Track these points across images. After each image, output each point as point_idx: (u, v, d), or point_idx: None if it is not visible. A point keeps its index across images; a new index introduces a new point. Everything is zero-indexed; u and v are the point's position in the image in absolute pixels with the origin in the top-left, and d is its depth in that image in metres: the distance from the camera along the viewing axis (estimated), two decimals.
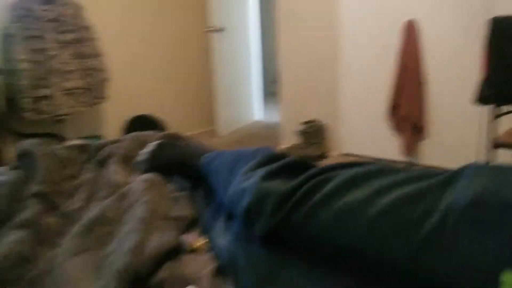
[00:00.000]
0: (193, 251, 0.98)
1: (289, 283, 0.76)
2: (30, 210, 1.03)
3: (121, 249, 0.83)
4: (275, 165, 0.85)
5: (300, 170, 0.81)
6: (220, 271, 0.88)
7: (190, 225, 1.06)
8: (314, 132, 3.55)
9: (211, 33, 4.12)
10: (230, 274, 0.85)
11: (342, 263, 0.70)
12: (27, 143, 1.28)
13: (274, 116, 4.87)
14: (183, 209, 1.10)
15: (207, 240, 1.00)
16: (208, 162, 1.13)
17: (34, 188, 1.11)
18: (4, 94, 2.94)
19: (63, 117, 3.06)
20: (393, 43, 3.08)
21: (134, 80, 3.80)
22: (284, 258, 0.78)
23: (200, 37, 4.28)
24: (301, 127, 3.57)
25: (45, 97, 3.00)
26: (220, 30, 4.13)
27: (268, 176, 0.81)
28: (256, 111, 5.03)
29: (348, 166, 0.79)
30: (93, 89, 3.24)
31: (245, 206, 0.79)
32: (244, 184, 0.83)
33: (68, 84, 3.09)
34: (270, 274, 0.78)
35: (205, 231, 1.02)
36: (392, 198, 0.67)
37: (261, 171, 0.83)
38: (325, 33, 3.42)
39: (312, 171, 0.79)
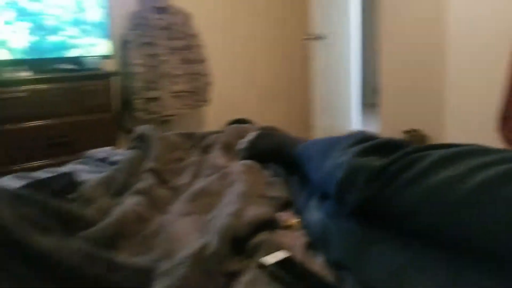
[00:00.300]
0: (287, 228, 1.06)
1: (379, 259, 0.79)
2: (145, 181, 1.19)
3: (222, 214, 0.94)
4: (369, 143, 0.89)
5: (394, 148, 0.85)
6: (312, 246, 0.95)
7: (284, 205, 1.14)
8: (416, 142, 3.44)
9: (311, 40, 4.22)
10: (321, 248, 0.91)
11: (434, 239, 0.72)
12: (144, 128, 1.47)
13: (372, 127, 4.80)
14: (278, 191, 1.18)
15: (300, 219, 1.07)
16: (302, 149, 1.20)
17: (149, 164, 1.28)
18: (119, 94, 3.31)
19: (169, 117, 3.35)
20: (506, 49, 2.90)
21: (234, 85, 4.03)
22: (374, 233, 0.82)
23: (301, 45, 4.40)
24: (402, 137, 3.49)
25: (155, 99, 3.32)
26: (320, 37, 4.21)
27: (362, 153, 0.86)
28: (354, 121, 5.00)
29: (442, 146, 0.81)
30: (197, 93, 3.51)
31: (339, 179, 0.85)
32: (338, 160, 0.89)
33: (176, 87, 3.39)
34: (360, 248, 0.82)
35: (299, 212, 1.09)
36: (489, 175, 0.68)
37: (355, 148, 0.88)
38: (431, 40, 3.33)
39: (406, 150, 0.82)
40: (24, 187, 1.07)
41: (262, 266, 0.80)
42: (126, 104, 3.33)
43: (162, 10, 3.31)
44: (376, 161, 0.83)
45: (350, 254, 0.84)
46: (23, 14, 2.66)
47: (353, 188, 0.82)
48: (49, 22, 2.76)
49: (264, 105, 4.22)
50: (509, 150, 0.74)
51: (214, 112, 3.79)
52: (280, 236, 0.98)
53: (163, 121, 3.44)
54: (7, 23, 2.61)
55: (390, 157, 0.82)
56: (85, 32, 2.91)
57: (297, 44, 4.40)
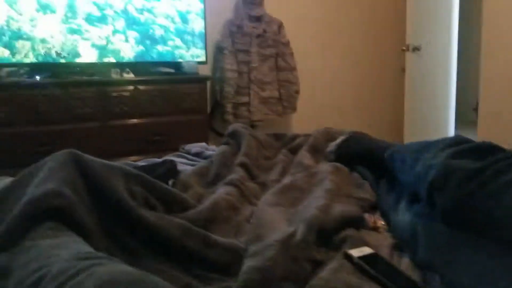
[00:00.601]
0: (374, 229, 1.07)
1: (468, 262, 0.78)
2: (236, 174, 1.27)
3: (309, 207, 0.99)
4: (462, 146, 0.89)
5: (488, 152, 0.84)
6: (398, 247, 0.96)
7: (371, 208, 1.16)
8: None
9: (406, 51, 4.12)
10: (408, 249, 0.92)
11: None
12: (236, 125, 1.57)
13: None
14: (366, 193, 1.20)
15: (386, 222, 1.08)
16: (394, 152, 1.21)
17: (240, 159, 1.37)
18: (211, 98, 3.50)
19: (256, 123, 3.47)
20: None
21: (323, 95, 4.06)
22: (464, 236, 0.81)
23: (395, 55, 4.32)
24: None
25: (244, 104, 3.46)
26: (416, 49, 4.11)
27: (456, 155, 0.86)
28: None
29: None
30: (285, 100, 3.59)
31: (431, 179, 0.85)
32: (432, 161, 0.90)
33: (264, 94, 3.50)
34: (449, 251, 0.82)
35: (386, 214, 1.10)
36: None
37: (449, 150, 0.88)
38: None
39: (501, 154, 0.81)
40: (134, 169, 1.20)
41: (348, 257, 0.84)
42: (217, 107, 3.51)
43: (256, 18, 3.46)
44: (470, 164, 0.83)
45: (438, 256, 0.84)
46: (132, 23, 2.94)
47: (446, 189, 0.83)
48: (156, 31, 3.01)
49: (352, 117, 4.19)
50: None
51: (301, 120, 3.85)
52: (366, 235, 1.00)
53: (251, 126, 3.57)
54: (116, 31, 2.90)
55: (485, 160, 0.82)
56: (184, 39, 3.13)
57: (391, 54, 4.33)
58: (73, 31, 2.80)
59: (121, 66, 2.95)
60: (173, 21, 3.10)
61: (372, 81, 4.34)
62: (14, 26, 2.65)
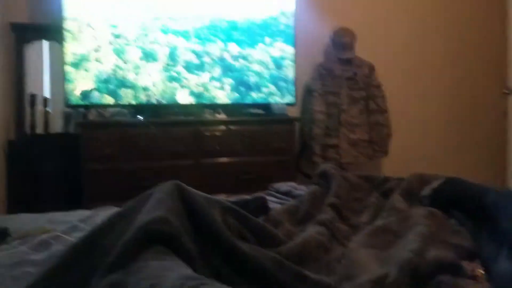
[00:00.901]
0: (472, 278, 1.03)
1: None
2: (326, 214, 1.29)
3: (403, 250, 0.98)
4: None
5: None
6: None
7: (469, 255, 1.11)
8: None
9: (508, 95, 3.90)
10: None
11: None
12: (326, 166, 1.60)
13: None
14: (463, 240, 1.16)
15: (486, 271, 1.03)
16: (497, 198, 1.16)
17: (330, 199, 1.39)
18: (299, 139, 3.56)
19: (345, 165, 3.45)
20: None
21: (415, 138, 3.95)
22: None
23: (495, 99, 4.11)
24: None
25: (333, 146, 3.47)
26: None
27: None
28: None
29: None
30: (376, 143, 3.55)
31: None
32: None
33: (354, 136, 3.49)
34: None
35: (486, 263, 1.05)
36: None
37: None
38: None
39: None
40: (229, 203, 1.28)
41: None
42: (305, 149, 3.56)
43: (347, 61, 3.51)
44: None
45: None
46: (228, 70, 3.16)
47: None
48: (250, 77, 3.21)
49: (448, 162, 4.00)
50: None
51: (392, 163, 3.75)
52: (463, 284, 0.96)
53: (340, 168, 3.56)
54: (212, 78, 3.12)
55: None
56: (275, 82, 3.27)
57: (490, 97, 4.12)
58: (172, 79, 3.06)
59: (214, 107, 3.14)
60: (267, 67, 3.25)
61: (469, 125, 4.14)
62: (120, 74, 2.96)
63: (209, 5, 3.15)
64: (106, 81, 2.94)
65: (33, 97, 3.06)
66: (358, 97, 3.52)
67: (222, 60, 3.15)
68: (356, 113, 3.52)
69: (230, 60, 3.17)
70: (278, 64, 3.28)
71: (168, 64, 3.05)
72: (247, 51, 3.21)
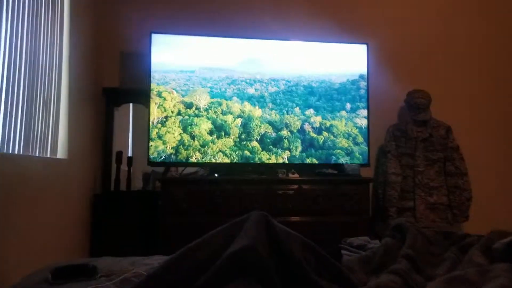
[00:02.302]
0: None
1: None
2: (401, 264, 1.30)
3: None
4: None
5: None
6: None
7: None
8: None
9: None
10: None
11: None
12: (401, 219, 1.62)
13: None
14: None
15: None
16: None
17: (405, 251, 1.40)
18: (373, 201, 3.54)
19: (424, 228, 3.35)
20: None
21: (497, 202, 3.77)
22: None
23: None
24: None
25: (409, 209, 3.41)
26: None
27: None
28: None
29: None
30: (456, 207, 3.43)
31: None
32: None
33: (431, 199, 3.41)
34: None
35: None
36: None
37: None
38: None
39: None
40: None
41: None
42: (380, 211, 3.52)
43: (422, 123, 3.52)
44: None
45: None
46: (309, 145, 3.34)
47: None
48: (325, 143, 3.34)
49: None
50: None
51: (474, 229, 3.58)
52: None
53: None
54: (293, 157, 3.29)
55: None
56: (349, 143, 3.35)
57: None
58: (245, 159, 3.27)
59: (288, 166, 3.25)
60: (350, 137, 3.40)
61: None
62: (191, 144, 3.22)
63: (284, 70, 3.39)
64: (181, 145, 3.19)
65: (119, 154, 3.35)
66: (434, 158, 3.48)
67: (302, 133, 3.36)
68: (433, 175, 3.46)
69: (312, 133, 3.37)
70: (362, 133, 3.40)
71: (240, 138, 3.28)
72: (330, 121, 3.39)
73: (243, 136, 3.27)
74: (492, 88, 3.99)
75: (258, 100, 3.34)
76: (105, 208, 3.27)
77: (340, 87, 3.45)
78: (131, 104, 3.65)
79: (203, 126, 3.24)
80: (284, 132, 3.32)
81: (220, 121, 3.27)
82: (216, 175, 3.20)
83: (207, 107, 3.28)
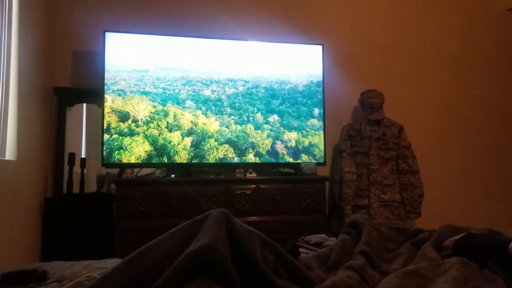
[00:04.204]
0: None
1: None
2: (357, 261, 1.32)
3: None
4: None
5: None
6: None
7: None
8: None
9: None
10: None
11: None
12: (356, 216, 1.64)
13: None
14: (498, 287, 1.16)
15: None
16: None
17: (360, 247, 1.41)
18: (329, 200, 3.58)
19: (379, 224, 3.43)
20: None
21: (448, 199, 3.92)
22: None
23: None
24: None
25: (364, 206, 3.48)
26: None
27: None
28: None
29: None
30: (408, 204, 3.53)
31: None
32: None
33: (385, 197, 3.50)
34: None
35: None
36: None
37: None
38: None
39: None
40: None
41: None
42: (335, 209, 3.57)
43: (375, 122, 3.60)
44: None
45: None
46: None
47: None
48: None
49: (485, 220, 3.92)
50: None
51: (426, 224, 3.70)
52: None
53: None
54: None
55: None
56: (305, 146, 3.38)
57: None
58: (199, 152, 3.20)
59: (245, 166, 3.24)
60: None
61: (501, 180, 4.09)
62: (152, 140, 3.14)
63: (242, 70, 3.37)
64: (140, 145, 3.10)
65: (71, 156, 3.24)
66: (388, 157, 3.57)
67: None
68: (387, 173, 3.55)
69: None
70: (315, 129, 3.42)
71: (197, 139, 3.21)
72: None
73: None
74: (444, 87, 4.14)
75: (215, 104, 3.26)
76: (58, 211, 3.15)
77: (305, 90, 3.45)
78: (84, 104, 3.53)
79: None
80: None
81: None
82: (173, 175, 3.15)
83: (148, 119, 3.14)
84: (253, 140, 3.26)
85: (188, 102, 3.21)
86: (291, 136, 3.35)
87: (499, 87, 4.24)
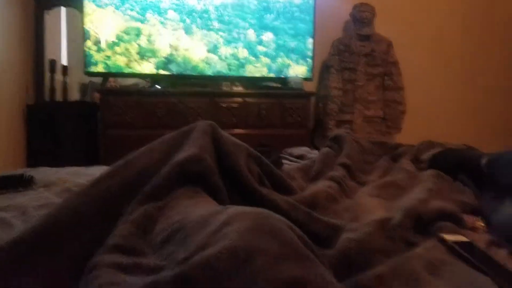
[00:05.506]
0: (473, 229, 1.12)
1: None
2: (337, 172, 1.39)
3: (408, 199, 1.07)
4: None
5: None
6: (496, 243, 1.00)
7: (473, 212, 1.20)
8: None
9: None
10: (509, 242, 0.96)
11: None
12: (339, 131, 1.69)
13: None
14: (467, 198, 1.25)
15: (487, 225, 1.12)
16: (497, 158, 1.25)
17: (341, 159, 1.48)
18: (314, 115, 3.64)
19: (361, 138, 3.53)
20: None
21: (430, 117, 4.01)
22: None
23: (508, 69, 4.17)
24: None
25: (347, 122, 3.55)
26: None
27: None
28: None
29: None
30: (390, 120, 3.62)
31: None
32: None
33: (369, 113, 3.57)
34: None
35: (488, 217, 1.14)
36: None
37: None
38: None
39: None
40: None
41: (442, 241, 0.91)
42: (320, 124, 3.64)
43: (365, 37, 3.56)
44: None
45: None
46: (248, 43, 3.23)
47: None
48: (264, 48, 3.27)
49: (462, 139, 4.07)
50: None
51: (406, 141, 3.83)
52: (464, 232, 1.06)
53: None
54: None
55: None
56: (291, 55, 3.34)
57: (506, 69, 4.17)
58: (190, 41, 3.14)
59: (232, 79, 3.23)
60: (284, 40, 3.32)
61: (486, 101, 4.19)
62: (138, 42, 3.05)
63: None
64: (125, 50, 3.03)
65: (52, 63, 3.17)
66: (375, 73, 3.58)
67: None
68: (372, 89, 3.58)
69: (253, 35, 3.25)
70: (296, 37, 3.33)
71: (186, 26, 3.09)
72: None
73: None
74: (432, 5, 4.06)
75: (201, 16, 3.10)
76: (42, 119, 3.15)
77: (303, 3, 3.31)
78: (63, 9, 3.39)
79: (148, 24, 3.03)
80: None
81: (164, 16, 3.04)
82: (158, 86, 3.14)
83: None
84: (249, 71, 3.19)
85: (171, 13, 3.07)
86: (287, 61, 3.29)
87: (496, 5, 4.17)
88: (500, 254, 0.93)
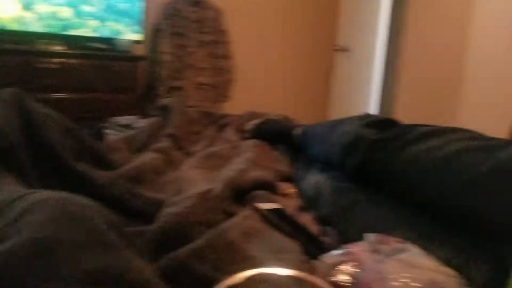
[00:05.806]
0: (285, 195, 1.23)
1: (359, 215, 0.96)
2: (163, 143, 1.38)
3: (228, 170, 1.12)
4: (370, 119, 1.10)
5: (390, 124, 1.05)
6: (303, 209, 1.12)
7: (286, 179, 1.32)
8: None
9: (336, 52, 4.40)
10: (312, 207, 1.08)
11: (409, 198, 0.89)
12: (167, 100, 1.68)
13: None
14: (282, 166, 1.36)
15: (297, 189, 1.25)
16: (306, 129, 1.40)
17: (168, 130, 1.48)
18: (145, 80, 3.54)
19: (188, 108, 3.56)
20: None
21: (256, 85, 4.24)
22: (363, 194, 1.00)
23: (325, 56, 4.60)
24: None
25: (178, 88, 3.54)
26: (345, 49, 4.38)
27: (364, 126, 1.06)
28: None
29: (429, 125, 1.00)
30: (220, 87, 3.72)
31: (345, 144, 1.06)
32: (345, 129, 1.09)
33: (199, 80, 3.60)
34: (347, 207, 1.00)
35: (297, 182, 1.27)
36: (458, 147, 0.85)
37: (359, 122, 1.08)
38: (453, 66, 3.46)
39: (399, 125, 1.02)
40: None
41: (256, 209, 0.98)
42: (150, 89, 3.56)
43: (195, 3, 3.55)
44: (375, 134, 1.02)
45: (337, 211, 1.01)
46: None
47: (356, 152, 1.02)
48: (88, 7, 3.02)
49: (285, 106, 4.41)
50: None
51: (233, 109, 3.99)
52: (277, 199, 1.16)
53: None
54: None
55: (388, 131, 1.02)
56: (120, 16, 3.16)
57: (324, 52, 4.60)
58: None
59: (51, 37, 2.92)
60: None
61: (304, 73, 4.58)
62: None
63: None
64: None
65: None
66: (206, 40, 3.61)
67: None
68: (203, 56, 3.61)
69: None
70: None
71: None
72: None
73: None
74: None
75: None
76: None
77: None
78: None
79: None
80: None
81: None
82: None
83: None
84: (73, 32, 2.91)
85: None
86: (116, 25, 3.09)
87: None
88: (305, 218, 1.04)
